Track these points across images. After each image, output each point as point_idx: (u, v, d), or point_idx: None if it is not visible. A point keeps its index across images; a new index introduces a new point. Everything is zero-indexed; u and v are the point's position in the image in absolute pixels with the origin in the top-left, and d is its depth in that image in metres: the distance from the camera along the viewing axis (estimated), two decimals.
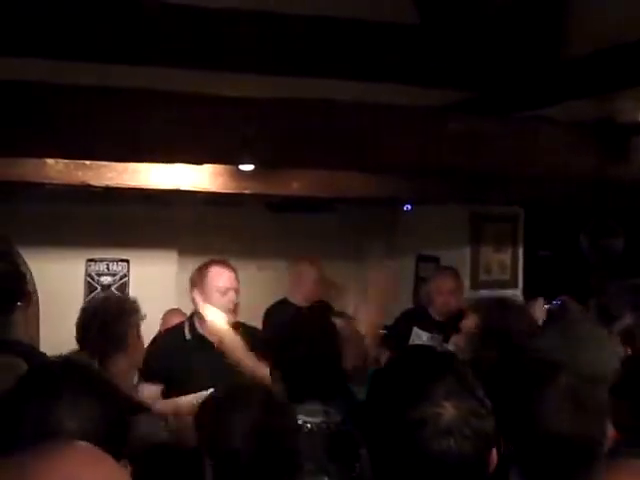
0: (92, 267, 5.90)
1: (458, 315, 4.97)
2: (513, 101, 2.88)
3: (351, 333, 3.39)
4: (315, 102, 2.75)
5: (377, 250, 6.78)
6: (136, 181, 3.86)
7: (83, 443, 1.06)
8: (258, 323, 4.79)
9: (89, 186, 3.75)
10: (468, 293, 5.94)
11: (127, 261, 5.94)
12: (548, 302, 3.94)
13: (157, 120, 2.67)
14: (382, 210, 6.50)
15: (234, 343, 3.32)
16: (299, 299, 5.05)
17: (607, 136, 3.26)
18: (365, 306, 3.75)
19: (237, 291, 3.80)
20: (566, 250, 5.70)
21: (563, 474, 1.58)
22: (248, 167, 3.84)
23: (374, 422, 1.33)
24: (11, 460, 0.98)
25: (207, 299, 3.61)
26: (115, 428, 1.45)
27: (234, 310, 3.80)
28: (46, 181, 3.67)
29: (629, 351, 2.72)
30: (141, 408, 2.66)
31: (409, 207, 6.22)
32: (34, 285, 4.93)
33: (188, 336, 3.68)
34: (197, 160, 3.39)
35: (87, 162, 3.62)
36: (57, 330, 2.98)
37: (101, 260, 5.90)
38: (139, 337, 2.97)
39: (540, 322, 3.40)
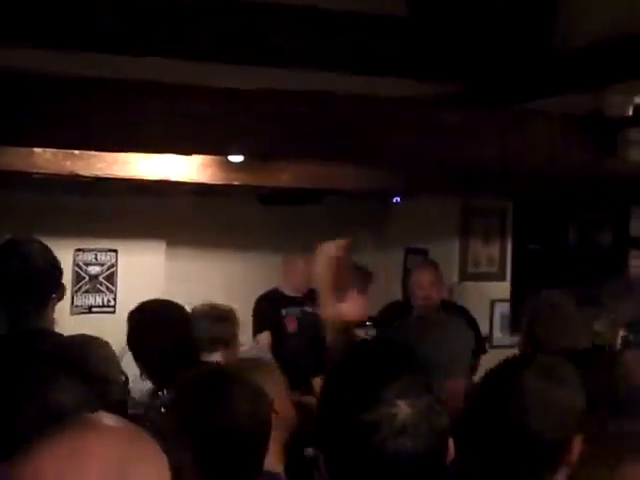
0: (80, 257, 5.88)
1: (442, 308, 5.02)
2: (504, 94, 2.88)
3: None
4: (307, 94, 2.75)
5: (366, 242, 6.78)
6: (125, 171, 3.85)
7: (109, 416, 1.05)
8: (246, 312, 4.82)
9: (78, 176, 3.73)
10: (456, 286, 5.97)
11: (115, 251, 5.93)
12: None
13: (149, 111, 2.66)
14: (371, 202, 6.50)
15: None
16: (291, 289, 5.22)
17: (597, 130, 3.27)
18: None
19: None
20: (555, 243, 5.72)
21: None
22: (238, 158, 3.83)
23: (326, 424, 1.31)
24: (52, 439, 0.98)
25: None
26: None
27: None
28: (34, 170, 3.66)
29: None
30: None
31: (398, 199, 6.23)
32: None
33: None
34: (191, 151, 3.38)
35: (76, 152, 3.59)
36: None
37: (89, 250, 5.88)
38: None
39: None
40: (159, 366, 2.80)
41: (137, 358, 3.04)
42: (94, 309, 5.90)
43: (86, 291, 5.92)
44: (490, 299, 5.87)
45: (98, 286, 5.95)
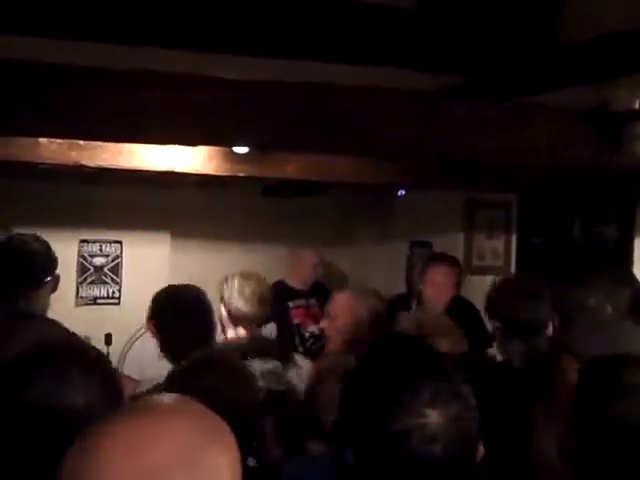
0: (85, 248, 5.90)
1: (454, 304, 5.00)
2: (509, 87, 2.88)
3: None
4: (311, 85, 2.74)
5: (370, 235, 6.79)
6: (130, 162, 3.85)
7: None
8: None
9: (83, 167, 3.73)
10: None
11: (120, 242, 5.95)
12: None
13: (152, 101, 2.66)
14: (375, 195, 6.50)
15: None
16: (297, 282, 5.25)
17: (602, 124, 3.26)
18: None
19: None
20: (559, 237, 5.71)
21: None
22: (242, 150, 3.84)
23: (355, 432, 1.29)
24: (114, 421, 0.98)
25: None
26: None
27: None
28: (39, 161, 3.66)
29: None
30: None
31: (403, 192, 6.23)
32: None
33: None
34: (192, 142, 3.38)
35: (81, 142, 3.60)
36: (50, 310, 2.97)
37: (94, 241, 5.90)
38: None
39: None
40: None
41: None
42: (99, 300, 5.93)
43: (91, 282, 5.94)
44: None
45: (103, 277, 5.97)
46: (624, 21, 2.24)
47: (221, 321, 3.56)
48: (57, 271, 2.91)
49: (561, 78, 2.68)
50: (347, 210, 6.66)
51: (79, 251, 5.87)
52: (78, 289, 5.87)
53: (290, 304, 5.27)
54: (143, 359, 3.50)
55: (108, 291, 5.97)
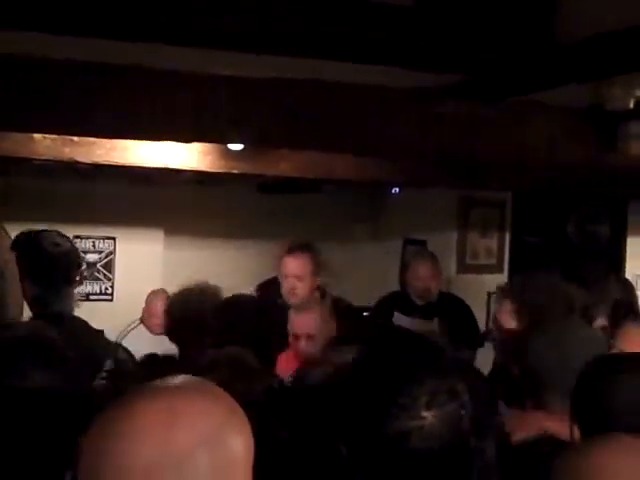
0: (78, 244, 5.86)
1: (439, 299, 5.02)
2: (505, 85, 2.88)
3: None
4: (307, 82, 2.74)
5: (364, 232, 6.79)
6: (124, 159, 3.84)
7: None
8: None
9: (77, 163, 3.72)
10: (454, 277, 5.97)
11: (113, 239, 5.93)
12: None
13: (149, 97, 2.65)
14: (370, 192, 6.50)
15: None
16: None
17: (598, 123, 3.27)
18: None
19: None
20: (553, 236, 5.72)
21: None
22: (237, 146, 3.83)
23: (353, 431, 1.32)
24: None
25: None
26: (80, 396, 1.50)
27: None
28: (33, 157, 3.64)
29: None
30: None
31: (397, 190, 6.23)
32: None
33: None
34: (186, 138, 3.37)
35: (75, 138, 3.58)
36: None
37: (87, 237, 5.88)
38: None
39: None
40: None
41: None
42: (92, 297, 5.91)
43: (84, 278, 5.92)
44: (487, 291, 5.87)
45: (96, 274, 5.96)
46: (620, 20, 2.24)
47: None
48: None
49: (557, 77, 2.67)
50: (341, 208, 6.65)
51: None
52: None
53: (279, 301, 5.25)
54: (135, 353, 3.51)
55: (101, 287, 5.96)
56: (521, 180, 4.49)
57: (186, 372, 1.09)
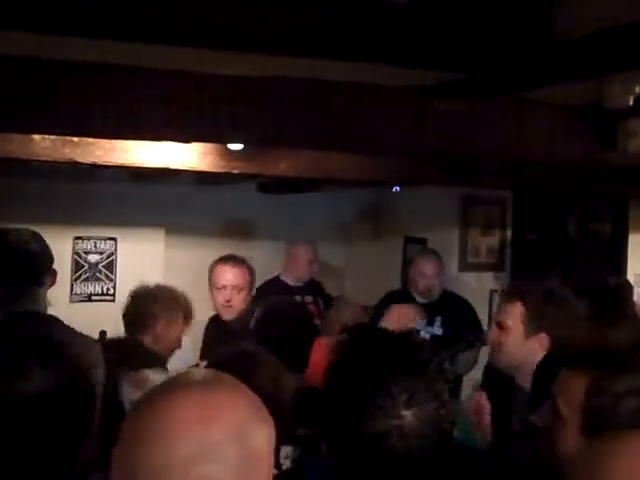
0: (80, 245, 5.89)
1: (441, 297, 5.03)
2: (504, 83, 2.88)
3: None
4: (305, 81, 2.74)
5: (364, 232, 6.79)
6: (124, 159, 3.83)
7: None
8: None
9: (76, 163, 3.71)
10: (456, 275, 5.97)
11: (115, 239, 5.94)
12: None
13: (146, 97, 2.65)
14: (371, 191, 6.50)
15: None
16: (291, 278, 5.24)
17: (597, 120, 3.26)
18: None
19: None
20: (554, 234, 5.71)
21: None
22: (237, 146, 3.82)
23: (333, 430, 1.31)
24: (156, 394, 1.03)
25: None
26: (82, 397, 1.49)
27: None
28: (32, 158, 3.64)
29: None
30: None
31: (397, 188, 6.23)
32: None
33: None
34: (186, 138, 3.36)
35: (74, 139, 3.58)
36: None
37: (89, 238, 5.89)
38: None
39: None
40: None
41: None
42: (93, 297, 5.92)
43: (85, 279, 5.93)
44: (489, 289, 5.87)
45: (97, 274, 5.96)
46: (618, 17, 2.23)
47: None
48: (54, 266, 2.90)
49: (556, 74, 2.67)
50: (341, 207, 6.65)
51: (73, 248, 5.86)
52: (72, 286, 5.86)
53: None
54: None
55: (102, 288, 5.96)
56: (520, 178, 4.48)
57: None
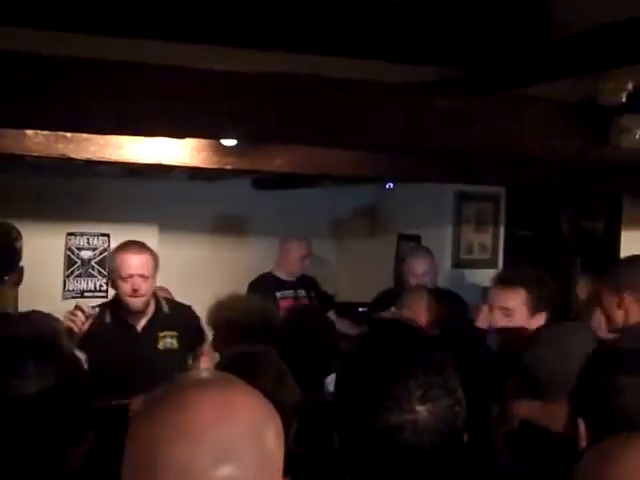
0: (72, 241, 5.87)
1: (434, 294, 5.02)
2: (499, 79, 2.88)
3: None
4: (301, 77, 2.73)
5: (358, 228, 6.79)
6: (117, 155, 3.82)
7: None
8: None
9: (70, 159, 3.70)
10: (449, 272, 5.98)
11: (108, 235, 5.92)
12: None
13: (143, 93, 2.64)
14: (364, 188, 6.50)
15: None
16: (284, 273, 5.30)
17: (590, 117, 3.27)
18: None
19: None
20: (547, 230, 5.73)
21: None
22: (231, 142, 3.82)
23: (347, 426, 1.31)
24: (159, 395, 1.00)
25: None
26: (77, 396, 1.48)
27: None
28: (25, 153, 3.63)
29: None
30: None
31: (391, 185, 6.23)
32: None
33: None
34: (182, 134, 3.36)
35: (68, 134, 3.57)
36: (36, 303, 2.95)
37: (81, 234, 5.87)
38: None
39: None
40: None
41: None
42: (86, 294, 5.90)
43: (78, 275, 5.91)
44: (482, 286, 5.88)
45: (90, 271, 5.95)
46: (613, 13, 2.24)
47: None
48: (21, 263, 2.79)
49: (550, 71, 2.67)
50: (336, 204, 6.65)
51: (66, 244, 5.84)
52: (65, 282, 5.85)
53: (278, 294, 5.27)
54: None
55: (95, 284, 5.95)
56: (514, 174, 4.49)
57: None
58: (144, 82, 2.63)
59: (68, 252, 5.85)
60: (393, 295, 5.09)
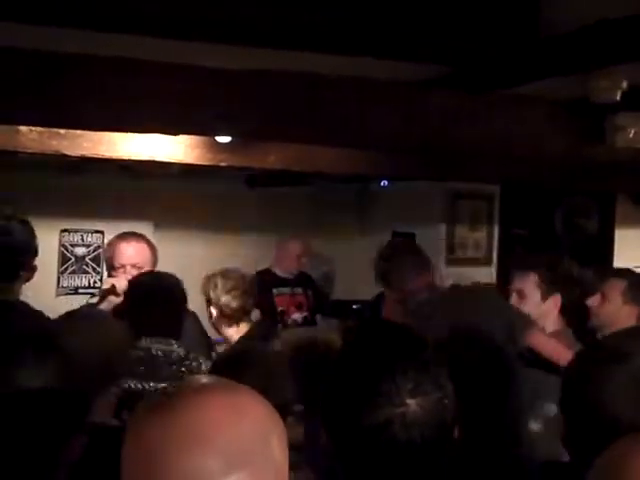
0: (66, 238, 5.86)
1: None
2: (491, 78, 2.88)
3: None
4: (292, 75, 2.74)
5: (352, 226, 6.79)
6: (111, 151, 3.82)
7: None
8: None
9: (64, 156, 3.70)
10: (443, 270, 5.98)
11: (102, 232, 5.91)
12: None
13: (136, 89, 2.64)
14: (358, 185, 6.50)
15: None
16: (281, 270, 5.39)
17: (584, 115, 3.27)
18: None
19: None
20: (541, 229, 5.74)
21: None
22: (225, 139, 3.82)
23: (336, 420, 1.32)
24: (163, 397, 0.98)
25: None
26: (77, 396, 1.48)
27: None
28: (19, 149, 3.62)
29: None
30: None
31: (385, 183, 6.23)
32: None
33: None
34: (174, 131, 3.36)
35: (62, 131, 3.56)
36: (30, 299, 2.95)
37: (75, 231, 5.86)
38: None
39: None
40: None
41: None
42: (80, 290, 5.89)
43: (72, 272, 5.90)
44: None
45: (84, 267, 5.94)
46: (605, 12, 2.24)
47: (213, 322, 3.52)
48: (32, 259, 2.80)
49: (543, 69, 2.68)
50: (329, 201, 6.65)
51: (60, 241, 5.83)
52: (59, 279, 5.84)
53: (274, 291, 5.29)
54: None
55: (89, 281, 5.94)
56: (508, 173, 4.50)
57: None
58: (135, 79, 2.63)
59: (62, 249, 5.84)
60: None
